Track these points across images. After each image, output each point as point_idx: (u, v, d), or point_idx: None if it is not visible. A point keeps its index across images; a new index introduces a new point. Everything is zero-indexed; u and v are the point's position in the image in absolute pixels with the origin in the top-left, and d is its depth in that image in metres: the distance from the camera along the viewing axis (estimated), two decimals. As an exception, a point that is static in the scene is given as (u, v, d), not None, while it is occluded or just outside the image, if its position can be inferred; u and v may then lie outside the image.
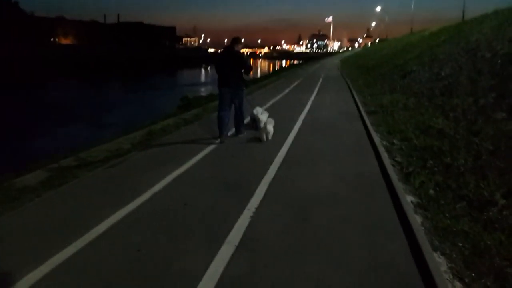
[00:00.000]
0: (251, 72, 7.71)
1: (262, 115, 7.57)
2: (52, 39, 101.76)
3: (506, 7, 14.19)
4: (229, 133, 7.48)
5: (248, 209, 3.92)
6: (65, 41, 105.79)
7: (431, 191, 4.43)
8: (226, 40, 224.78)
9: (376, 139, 6.95)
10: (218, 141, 6.93)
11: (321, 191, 4.47)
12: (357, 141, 7.09)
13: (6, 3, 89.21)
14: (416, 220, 3.62)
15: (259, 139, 7.03)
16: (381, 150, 6.14)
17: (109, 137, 8.96)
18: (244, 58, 7.08)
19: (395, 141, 6.87)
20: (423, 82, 10.58)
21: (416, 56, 16.00)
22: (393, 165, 5.46)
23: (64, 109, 22.26)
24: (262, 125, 7.15)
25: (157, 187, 4.53)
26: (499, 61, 8.13)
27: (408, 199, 4.16)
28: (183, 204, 4.04)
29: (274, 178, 4.89)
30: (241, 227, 3.52)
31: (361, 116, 9.47)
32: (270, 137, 7.03)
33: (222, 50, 7.49)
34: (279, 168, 5.32)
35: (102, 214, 3.72)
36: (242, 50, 7.23)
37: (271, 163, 5.56)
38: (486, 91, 7.19)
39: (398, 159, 5.78)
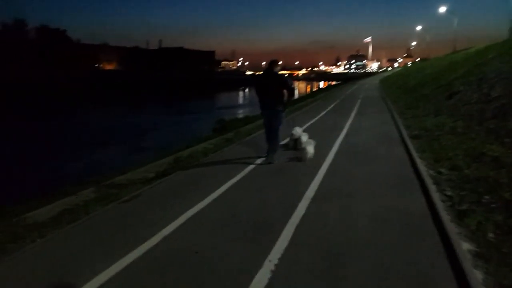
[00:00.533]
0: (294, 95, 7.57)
1: (303, 136, 7.53)
2: (96, 65, 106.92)
3: None
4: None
5: (270, 260, 3.38)
6: (108, 67, 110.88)
7: (491, 235, 3.75)
8: (263, 63, 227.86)
9: (421, 167, 6.26)
10: (264, 159, 7.21)
11: (358, 236, 3.83)
12: (400, 170, 6.40)
13: (54, 31, 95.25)
14: (475, 276, 2.97)
15: (298, 159, 7.11)
16: (428, 181, 5.46)
17: (137, 164, 8.86)
18: (284, 79, 6.97)
19: (443, 170, 6.16)
20: (472, 103, 9.73)
21: (461, 75, 15.01)
22: (443, 201, 4.78)
23: (103, 132, 22.92)
24: (303, 145, 7.20)
25: (168, 229, 4.11)
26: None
27: (464, 247, 3.50)
28: (195, 253, 3.59)
29: (303, 218, 4.33)
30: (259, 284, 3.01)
31: (403, 141, 8.76)
32: (311, 157, 7.07)
33: (262, 72, 7.48)
34: (309, 205, 4.75)
35: (95, 269, 3.27)
36: (280, 72, 7.16)
37: (301, 197, 5.02)
38: (548, 113, 6.36)
39: (449, 192, 5.09)
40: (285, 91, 6.83)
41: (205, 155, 8.41)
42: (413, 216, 4.33)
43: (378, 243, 3.66)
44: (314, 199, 4.95)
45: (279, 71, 7.12)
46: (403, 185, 5.52)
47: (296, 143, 7.71)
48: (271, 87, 6.90)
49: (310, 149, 7.12)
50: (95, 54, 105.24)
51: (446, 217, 4.16)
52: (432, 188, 5.20)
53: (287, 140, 8.17)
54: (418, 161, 6.74)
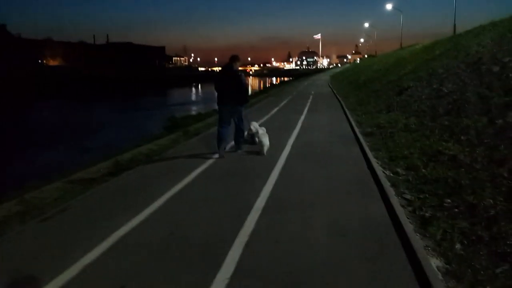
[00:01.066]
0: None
1: (260, 130, 7.63)
2: (40, 61, 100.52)
3: (506, 18, 13.43)
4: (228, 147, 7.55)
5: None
6: (53, 63, 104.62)
7: (458, 246, 3.38)
8: (216, 59, 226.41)
9: (377, 168, 5.91)
10: (217, 155, 7.12)
11: (317, 258, 3.25)
12: (355, 171, 6.00)
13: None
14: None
15: (256, 153, 7.33)
16: (385, 184, 5.08)
17: (75, 167, 7.98)
18: (242, 80, 7.11)
19: (399, 170, 5.84)
20: (423, 99, 9.64)
21: (410, 71, 15.16)
22: (403, 206, 4.39)
23: (46, 131, 21.43)
24: (259, 139, 7.38)
25: (90, 256, 3.37)
26: (510, 75, 7.21)
27: (433, 263, 3.07)
28: None
29: (252, 235, 3.71)
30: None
31: (357, 138, 8.45)
32: (266, 150, 7.28)
33: (221, 68, 7.71)
34: (260, 218, 4.12)
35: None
36: (239, 68, 7.33)
37: (250, 208, 4.40)
38: (501, 109, 6.22)
39: (408, 195, 4.73)
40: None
41: (148, 157, 7.64)
42: (375, 227, 3.86)
43: (340, 264, 3.13)
44: (265, 210, 4.35)
45: (239, 67, 7.25)
46: (360, 189, 5.10)
47: (253, 138, 7.81)
48: (230, 83, 7.00)
49: (266, 141, 7.28)
50: (38, 50, 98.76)
51: (409, 226, 3.74)
52: (390, 191, 4.82)
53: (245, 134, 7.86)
54: (374, 160, 6.40)
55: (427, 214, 4.04)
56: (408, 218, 4.01)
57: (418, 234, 3.61)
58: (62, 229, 4.00)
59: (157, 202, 4.72)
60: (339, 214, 4.21)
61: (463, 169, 5.10)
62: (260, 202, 4.60)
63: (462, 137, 6.12)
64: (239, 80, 7.01)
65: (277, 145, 8.00)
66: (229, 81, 7.00)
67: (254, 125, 7.86)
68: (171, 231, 3.83)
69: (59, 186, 6.10)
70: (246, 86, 7.23)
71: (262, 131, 7.63)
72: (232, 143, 7.75)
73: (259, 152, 7.30)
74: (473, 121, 6.42)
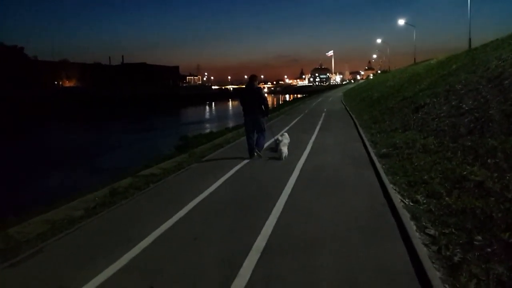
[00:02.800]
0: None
1: (283, 138, 9.06)
2: (56, 82, 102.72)
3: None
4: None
5: None
6: (68, 84, 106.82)
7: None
8: (229, 77, 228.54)
9: (394, 196, 5.30)
10: (249, 159, 8.67)
11: None
12: (370, 201, 5.34)
13: (11, 48, 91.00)
14: None
15: (276, 158, 8.56)
16: (405, 217, 4.48)
17: (82, 190, 7.94)
18: (262, 94, 8.81)
19: (419, 198, 5.23)
20: (442, 117, 9.01)
21: (426, 87, 14.51)
22: (426, 245, 3.79)
23: (58, 152, 21.55)
24: (280, 147, 8.65)
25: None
26: (539, 91, 6.59)
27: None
28: None
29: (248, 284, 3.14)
30: None
31: (371, 160, 7.85)
32: (284, 156, 8.52)
33: (244, 86, 9.50)
34: (258, 264, 3.51)
35: None
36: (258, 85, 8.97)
37: (248, 249, 3.82)
38: (532, 129, 5.59)
39: (431, 231, 4.13)
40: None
41: (147, 183, 7.21)
42: (395, 277, 3.22)
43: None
44: (265, 252, 3.75)
45: (257, 84, 8.92)
46: (376, 224, 4.47)
47: (276, 145, 9.02)
48: (251, 98, 8.62)
49: (284, 150, 8.61)
50: (54, 71, 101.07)
51: (435, 274, 3.14)
52: (410, 226, 4.22)
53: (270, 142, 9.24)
54: (390, 187, 5.80)
55: (455, 258, 3.44)
56: (433, 262, 3.40)
57: (446, 286, 3.00)
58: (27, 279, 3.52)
59: (145, 241, 4.22)
60: (354, 261, 3.54)
61: (493, 199, 4.49)
62: (261, 241, 4.01)
63: (488, 161, 5.49)
64: (259, 94, 8.68)
65: (284, 169, 7.47)
66: (250, 96, 8.63)
67: (283, 135, 9.24)
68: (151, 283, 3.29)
69: (48, 219, 5.68)
70: (266, 100, 8.80)
71: (286, 140, 9.02)
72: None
73: (278, 158, 8.53)
74: (500, 142, 5.79)
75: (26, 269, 3.72)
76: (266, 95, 9.69)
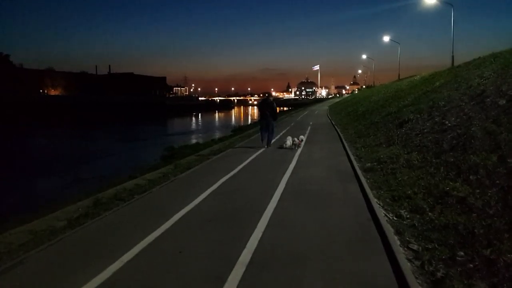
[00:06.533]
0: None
1: (287, 139, 12.84)
2: (41, 90, 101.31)
3: (507, 49, 13.19)
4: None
5: None
6: (54, 92, 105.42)
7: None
8: (216, 89, 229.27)
9: (378, 211, 5.35)
10: (265, 147, 12.79)
11: None
12: (355, 215, 5.39)
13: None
14: None
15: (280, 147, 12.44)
16: (388, 232, 4.52)
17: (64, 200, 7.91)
18: (274, 106, 13.13)
19: (403, 212, 5.30)
20: (425, 133, 9.18)
21: (410, 103, 14.78)
22: (410, 260, 3.83)
23: (42, 160, 21.08)
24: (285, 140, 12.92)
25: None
26: (518, 109, 6.79)
27: None
28: None
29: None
30: None
31: (356, 175, 7.91)
32: (289, 144, 12.56)
33: (261, 100, 13.76)
34: (243, 277, 3.48)
35: None
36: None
37: (233, 263, 3.78)
38: (512, 146, 5.74)
39: (414, 246, 4.17)
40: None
41: (131, 195, 7.13)
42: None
43: None
44: (250, 266, 3.73)
45: (272, 99, 13.71)
46: (360, 239, 4.50)
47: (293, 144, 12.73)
48: (267, 108, 12.76)
49: (288, 142, 12.60)
50: (39, 79, 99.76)
51: (419, 290, 3.17)
52: (394, 241, 4.26)
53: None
54: (375, 201, 5.85)
55: (438, 273, 3.48)
56: (416, 277, 3.44)
57: (430, 301, 3.03)
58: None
59: (129, 253, 4.15)
60: (338, 275, 3.56)
61: (474, 215, 4.57)
62: (246, 255, 3.99)
63: (471, 177, 5.60)
64: (272, 106, 12.92)
65: (269, 183, 7.47)
66: (266, 106, 12.80)
67: (288, 138, 12.86)
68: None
69: (30, 229, 5.55)
70: (276, 110, 13.12)
71: (289, 141, 12.70)
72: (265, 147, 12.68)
73: (281, 146, 12.65)
74: (482, 159, 5.91)
75: (5, 282, 3.62)
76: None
